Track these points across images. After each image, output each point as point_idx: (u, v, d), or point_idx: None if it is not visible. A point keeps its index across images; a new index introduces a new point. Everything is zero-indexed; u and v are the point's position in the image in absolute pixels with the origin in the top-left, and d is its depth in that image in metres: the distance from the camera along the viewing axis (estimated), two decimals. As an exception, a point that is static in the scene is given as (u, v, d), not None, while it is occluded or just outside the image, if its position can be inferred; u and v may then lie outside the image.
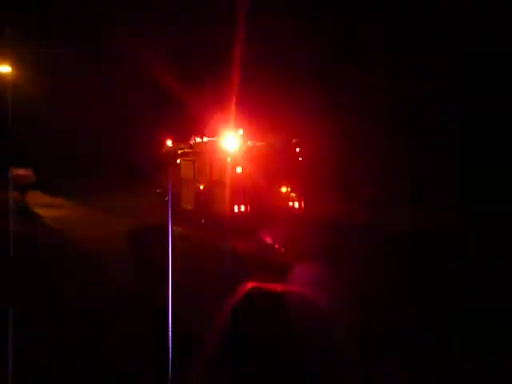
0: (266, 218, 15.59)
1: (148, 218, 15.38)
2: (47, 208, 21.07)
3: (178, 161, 18.99)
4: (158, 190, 20.69)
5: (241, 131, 16.54)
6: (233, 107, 16.09)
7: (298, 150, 16.71)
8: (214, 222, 16.11)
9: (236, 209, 15.73)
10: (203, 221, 16.74)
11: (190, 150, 18.33)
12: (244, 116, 16.64)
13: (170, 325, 4.94)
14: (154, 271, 7.09)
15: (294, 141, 16.83)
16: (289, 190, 16.50)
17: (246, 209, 15.82)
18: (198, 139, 17.98)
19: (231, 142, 15.86)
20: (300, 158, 16.71)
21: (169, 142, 20.10)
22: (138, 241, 7.56)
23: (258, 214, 15.72)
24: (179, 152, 19.04)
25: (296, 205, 16.55)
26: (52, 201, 23.88)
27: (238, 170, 15.82)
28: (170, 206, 6.11)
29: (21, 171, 36.28)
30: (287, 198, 16.45)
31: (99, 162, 28.74)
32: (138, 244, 7.72)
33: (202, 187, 17.34)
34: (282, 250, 12.73)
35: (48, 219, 18.07)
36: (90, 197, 24.05)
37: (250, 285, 4.70)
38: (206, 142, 17.48)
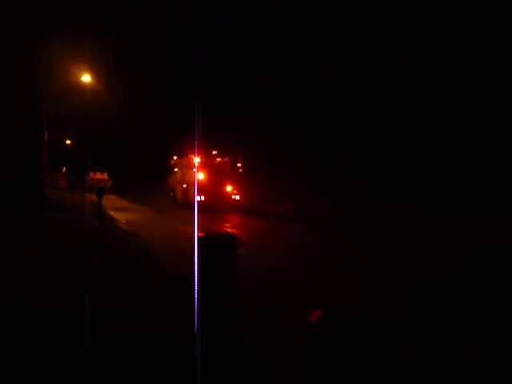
0: (216, 204, 26.38)
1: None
2: (119, 211, 23.40)
3: (176, 169, 30.51)
4: (170, 194, 32.05)
5: (213, 151, 27.74)
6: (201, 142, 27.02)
7: (239, 164, 27.35)
8: (188, 207, 27.22)
9: (198, 198, 26.75)
10: (183, 206, 27.93)
11: (181, 163, 29.74)
12: (208, 144, 27.61)
13: None
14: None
15: (237, 158, 27.51)
16: (232, 188, 27.14)
17: (204, 199, 26.77)
18: (194, 156, 29.19)
19: (196, 159, 27.00)
20: (240, 170, 27.34)
21: (175, 157, 31.78)
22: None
23: (211, 202, 26.56)
24: (177, 163, 30.58)
25: (237, 197, 27.17)
26: (121, 203, 28.95)
27: (200, 176, 26.83)
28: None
29: (98, 174, 46.74)
30: (231, 193, 27.10)
31: (140, 168, 40.85)
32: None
33: (184, 186, 28.60)
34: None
35: (122, 223, 18.89)
36: (141, 196, 32.38)
37: (325, 311, 3.80)
38: (188, 158, 28.77)
